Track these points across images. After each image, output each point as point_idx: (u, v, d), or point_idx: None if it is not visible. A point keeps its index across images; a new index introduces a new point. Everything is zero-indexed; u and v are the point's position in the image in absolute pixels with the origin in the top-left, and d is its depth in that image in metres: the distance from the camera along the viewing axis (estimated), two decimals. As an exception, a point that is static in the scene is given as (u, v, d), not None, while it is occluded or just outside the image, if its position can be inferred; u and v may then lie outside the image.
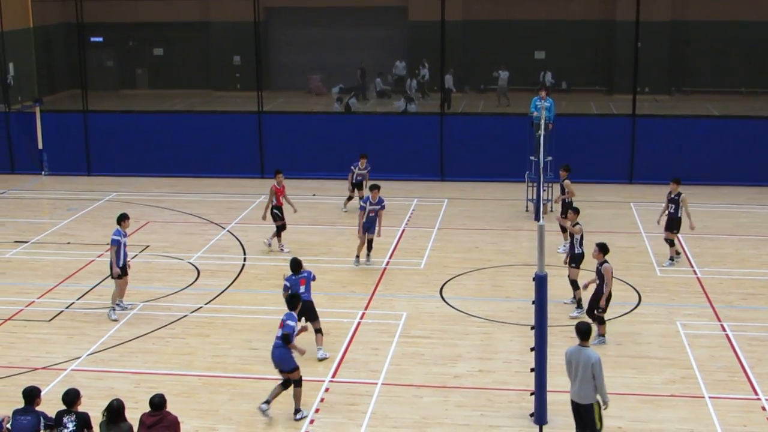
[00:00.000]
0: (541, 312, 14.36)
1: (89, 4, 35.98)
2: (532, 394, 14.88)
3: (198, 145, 32.52)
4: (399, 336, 18.31)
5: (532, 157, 26.77)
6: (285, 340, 14.91)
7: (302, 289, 17.27)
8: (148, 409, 12.14)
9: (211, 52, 46.32)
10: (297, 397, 15.11)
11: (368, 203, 22.27)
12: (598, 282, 17.75)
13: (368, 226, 22.29)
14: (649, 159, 30.90)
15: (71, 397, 12.19)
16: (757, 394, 15.83)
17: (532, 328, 14.68)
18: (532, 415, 14.88)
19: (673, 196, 22.62)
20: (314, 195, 29.68)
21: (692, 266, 22.55)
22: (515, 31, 44.09)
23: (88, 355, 17.52)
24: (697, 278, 21.68)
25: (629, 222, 26.58)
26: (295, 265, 17.59)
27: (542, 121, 25.41)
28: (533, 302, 14.48)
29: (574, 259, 19.38)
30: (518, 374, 16.46)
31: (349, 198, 27.60)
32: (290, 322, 15.14)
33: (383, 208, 22.58)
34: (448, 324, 18.92)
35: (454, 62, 40.04)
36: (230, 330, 18.69)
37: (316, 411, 15.27)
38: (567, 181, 23.54)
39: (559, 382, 15.90)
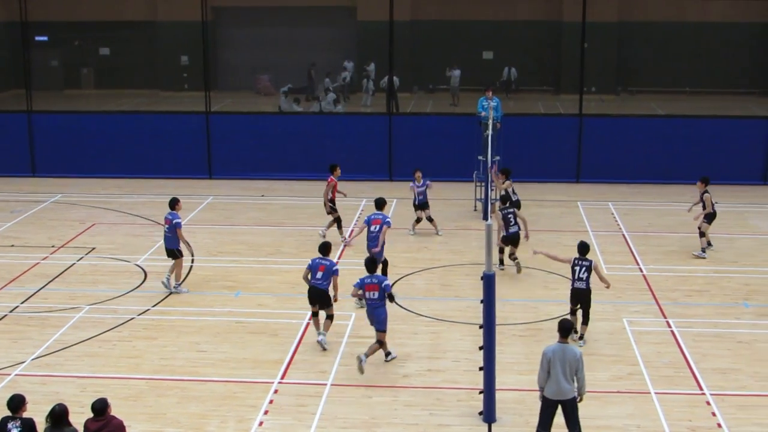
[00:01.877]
0: (489, 311, 14.42)
1: (33, 2, 35.57)
2: (481, 392, 14.93)
3: (145, 146, 32.24)
4: (348, 336, 18.28)
5: (480, 157, 26.88)
6: (390, 298, 16.84)
7: (319, 275, 17.55)
8: (91, 414, 12.00)
9: (158, 52, 45.98)
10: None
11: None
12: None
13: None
14: (596, 158, 31.18)
15: (16, 403, 12.00)
16: (701, 389, 16.02)
17: (480, 326, 14.73)
18: (481, 413, 14.92)
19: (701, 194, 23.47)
20: (263, 196, 29.57)
21: (638, 264, 22.78)
22: (463, 32, 44.32)
23: (33, 359, 17.28)
24: (643, 275, 21.91)
25: (576, 221, 26.79)
26: (323, 248, 17.97)
27: (490, 121, 25.52)
28: (482, 301, 14.54)
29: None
30: (467, 373, 16.50)
31: (418, 220, 25.46)
32: (387, 282, 16.89)
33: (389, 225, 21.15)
34: (397, 324, 18.90)
35: (402, 62, 40.08)
36: (178, 332, 18.55)
37: (265, 413, 15.20)
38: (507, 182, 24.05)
39: (507, 380, 16.02)
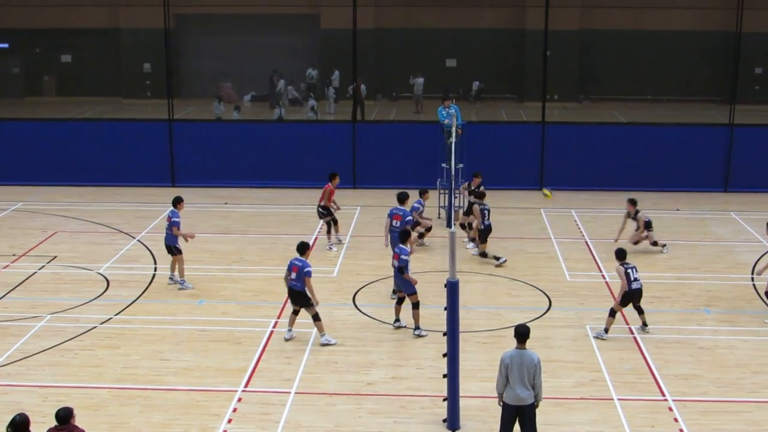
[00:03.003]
0: (453, 318, 14.45)
1: (-6, 10, 35.30)
2: (444, 399, 14.96)
3: (107, 154, 32.02)
4: (312, 344, 18.24)
5: (443, 165, 26.95)
6: (400, 271, 18.29)
7: (293, 275, 17.91)
8: (55, 423, 11.91)
9: (120, 60, 45.73)
10: (416, 318, 18.57)
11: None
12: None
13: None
14: (559, 165, 31.36)
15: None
16: (664, 395, 16.14)
17: (444, 334, 14.76)
18: (445, 420, 14.95)
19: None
20: (226, 203, 29.46)
21: (600, 271, 22.91)
22: (427, 40, 44.47)
23: (-6, 368, 17.14)
24: (606, 282, 22.03)
25: (539, 228, 26.92)
26: (300, 247, 18.33)
27: (453, 129, 25.62)
28: (445, 308, 14.57)
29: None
30: (431, 380, 16.53)
31: (421, 235, 24.56)
32: (404, 256, 18.34)
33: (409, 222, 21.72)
34: (361, 331, 18.93)
35: (366, 70, 40.13)
36: (140, 341, 18.43)
37: (229, 421, 15.14)
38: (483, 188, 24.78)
39: (471, 387, 16.05)
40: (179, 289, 21.27)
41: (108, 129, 32.97)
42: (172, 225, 21.24)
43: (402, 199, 22.32)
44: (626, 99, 43.68)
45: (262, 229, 26.51)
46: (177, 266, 21.53)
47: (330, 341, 18.14)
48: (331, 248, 24.45)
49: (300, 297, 18.03)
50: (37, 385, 16.40)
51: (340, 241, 25.02)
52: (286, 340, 18.32)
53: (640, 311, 18.72)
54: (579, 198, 30.32)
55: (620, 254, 18.86)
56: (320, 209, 24.59)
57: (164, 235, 21.58)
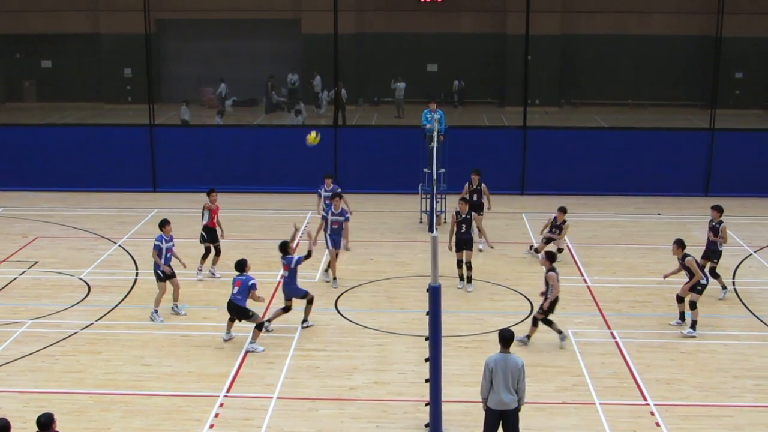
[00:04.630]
0: (435, 323, 14.44)
1: (-27, 15, 35.13)
2: (427, 404, 14.95)
3: (88, 159, 31.91)
4: (294, 349, 18.23)
5: (425, 169, 26.98)
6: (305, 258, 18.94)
7: (236, 290, 18.22)
8: (35, 429, 11.84)
9: (101, 65, 45.57)
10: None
11: (330, 214, 22.23)
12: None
13: (335, 239, 22.13)
14: (540, 170, 31.44)
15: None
16: (645, 399, 16.19)
17: (426, 338, 14.76)
18: (427, 425, 14.94)
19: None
20: (208, 208, 29.37)
21: (582, 275, 22.98)
22: (408, 44, 44.53)
23: (-26, 375, 17.03)
24: (587, 287, 22.10)
25: (521, 232, 26.97)
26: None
27: (435, 134, 25.64)
28: (427, 313, 14.57)
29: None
30: (413, 385, 16.53)
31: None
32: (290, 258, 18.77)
33: (347, 219, 22.41)
34: (343, 336, 18.92)
35: (347, 75, 40.12)
36: (122, 346, 18.37)
37: (211, 427, 15.10)
38: (483, 185, 25.00)
39: (453, 392, 16.06)
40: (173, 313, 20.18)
41: (89, 134, 32.83)
42: (153, 249, 19.86)
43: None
44: (607, 103, 43.81)
45: (244, 234, 26.47)
46: (159, 295, 19.89)
47: (257, 349, 18.05)
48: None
49: (238, 310, 18.18)
50: (18, 391, 16.33)
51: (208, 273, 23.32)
52: (225, 341, 18.48)
53: None
54: (561, 202, 30.28)
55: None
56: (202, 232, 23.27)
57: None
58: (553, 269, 18.25)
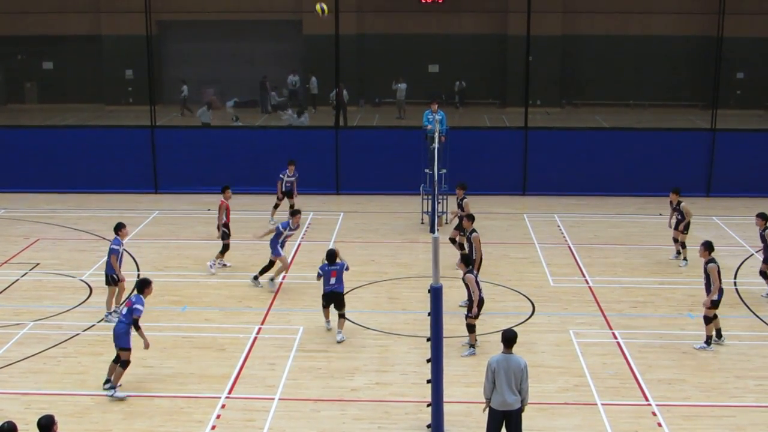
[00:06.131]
0: (436, 323, 14.43)
1: (-26, 17, 35.15)
2: (428, 405, 14.95)
3: (90, 160, 31.92)
4: (296, 350, 18.23)
5: (426, 170, 26.99)
6: (135, 324, 16.17)
7: (333, 280, 18.69)
8: (37, 431, 11.84)
9: (102, 66, 45.59)
10: (117, 375, 16.26)
11: (287, 229, 21.79)
12: None
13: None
14: (542, 170, 31.43)
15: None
16: (647, 399, 16.19)
17: (428, 339, 14.75)
18: (429, 426, 14.94)
19: (674, 206, 24.07)
20: (209, 210, 29.36)
21: (584, 275, 22.97)
22: (409, 45, 44.54)
23: (-24, 376, 17.04)
24: (589, 287, 22.09)
25: (523, 233, 26.97)
26: (330, 256, 18.82)
27: (436, 134, 25.63)
28: (429, 314, 14.56)
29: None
30: (415, 386, 16.53)
31: (276, 206, 27.67)
32: (138, 306, 16.24)
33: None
34: (345, 337, 18.90)
35: (348, 76, 40.13)
36: (124, 348, 18.35)
37: (213, 428, 15.11)
38: (465, 200, 23.82)
39: (455, 392, 16.06)
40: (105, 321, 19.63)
41: (90, 136, 32.89)
42: (110, 253, 19.59)
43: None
44: (609, 104, 43.86)
45: (245, 235, 26.44)
46: (107, 297, 19.87)
47: (343, 338, 18.66)
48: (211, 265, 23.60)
49: (340, 297, 18.90)
50: (20, 393, 16.33)
51: (223, 265, 23.75)
52: (339, 342, 18.68)
53: None
54: (562, 203, 30.37)
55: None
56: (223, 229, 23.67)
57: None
58: (470, 271, 17.89)
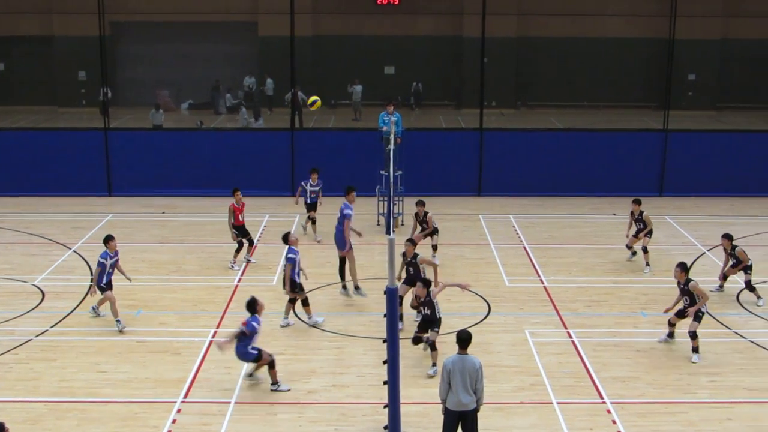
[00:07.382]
0: (392, 325, 14.40)
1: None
2: (385, 406, 14.91)
3: (42, 163, 31.54)
4: (252, 353, 18.14)
5: (382, 172, 27.00)
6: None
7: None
8: (-11, 437, 11.72)
9: (54, 68, 45.13)
10: (273, 374, 16.66)
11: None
12: None
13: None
14: (497, 171, 31.55)
15: None
16: (602, 398, 16.31)
17: (384, 341, 14.76)
18: (386, 427, 14.92)
19: (637, 216, 23.95)
20: (164, 212, 29.21)
21: (539, 275, 23.09)
22: (365, 47, 44.52)
23: (-74, 383, 16.80)
24: (544, 287, 22.22)
25: (478, 234, 27.06)
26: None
27: (392, 136, 25.65)
28: (385, 315, 14.56)
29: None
30: (372, 387, 16.53)
31: (309, 218, 26.54)
32: (254, 324, 16.40)
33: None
34: (301, 339, 18.88)
35: (304, 77, 40.05)
36: (77, 353, 18.19)
37: (168, 432, 15.03)
38: (429, 214, 23.62)
39: (411, 393, 16.08)
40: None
41: (43, 138, 32.49)
42: (97, 266, 19.49)
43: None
44: (563, 105, 44.15)
45: (200, 238, 26.33)
46: (102, 303, 19.89)
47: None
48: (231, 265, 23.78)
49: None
50: (-30, 400, 16.14)
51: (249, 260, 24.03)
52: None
53: None
54: (517, 204, 30.51)
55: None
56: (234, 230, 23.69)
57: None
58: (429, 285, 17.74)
